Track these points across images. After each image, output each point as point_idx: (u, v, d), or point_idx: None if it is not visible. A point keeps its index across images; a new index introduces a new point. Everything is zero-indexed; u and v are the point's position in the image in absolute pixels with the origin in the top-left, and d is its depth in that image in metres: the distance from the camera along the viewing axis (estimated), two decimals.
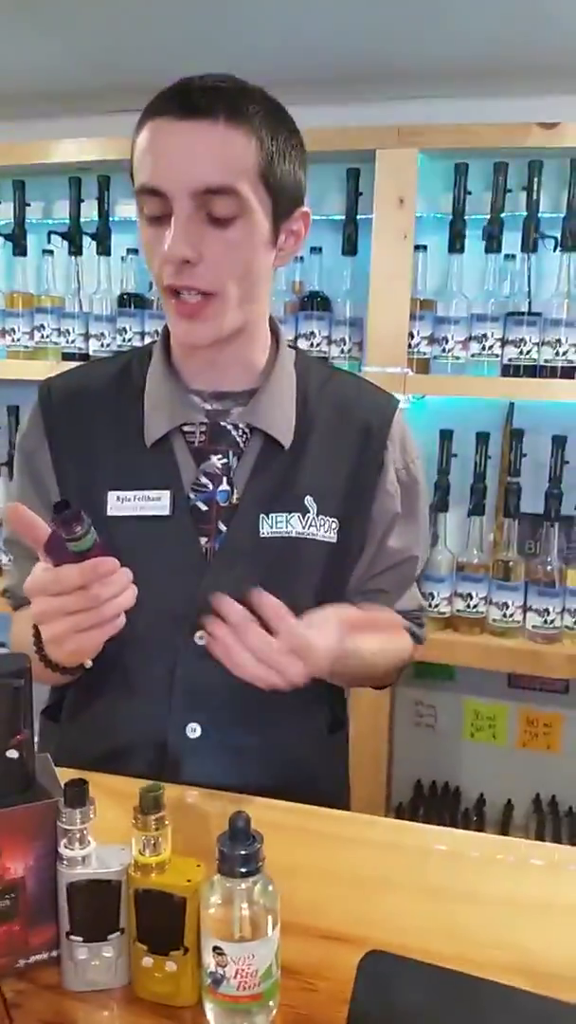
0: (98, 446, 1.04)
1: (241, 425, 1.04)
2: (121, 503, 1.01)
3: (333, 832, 0.91)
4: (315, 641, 0.87)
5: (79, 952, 0.66)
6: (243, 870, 0.62)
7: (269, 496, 1.03)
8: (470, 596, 1.79)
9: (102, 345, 1.93)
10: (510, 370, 1.71)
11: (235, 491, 1.03)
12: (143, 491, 1.01)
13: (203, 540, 1.02)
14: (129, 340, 1.90)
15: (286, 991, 0.66)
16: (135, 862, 0.65)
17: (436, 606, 1.78)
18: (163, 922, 0.64)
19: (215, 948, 0.62)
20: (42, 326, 1.96)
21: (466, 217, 1.73)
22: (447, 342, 1.74)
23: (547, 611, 1.73)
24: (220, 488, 1.02)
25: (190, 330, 0.97)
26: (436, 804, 1.98)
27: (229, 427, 1.04)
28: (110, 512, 1.01)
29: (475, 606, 1.79)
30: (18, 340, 1.98)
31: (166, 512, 1.01)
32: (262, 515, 1.02)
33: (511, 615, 1.76)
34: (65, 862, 0.65)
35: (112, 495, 1.02)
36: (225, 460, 1.03)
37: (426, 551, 1.19)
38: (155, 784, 0.65)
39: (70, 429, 1.06)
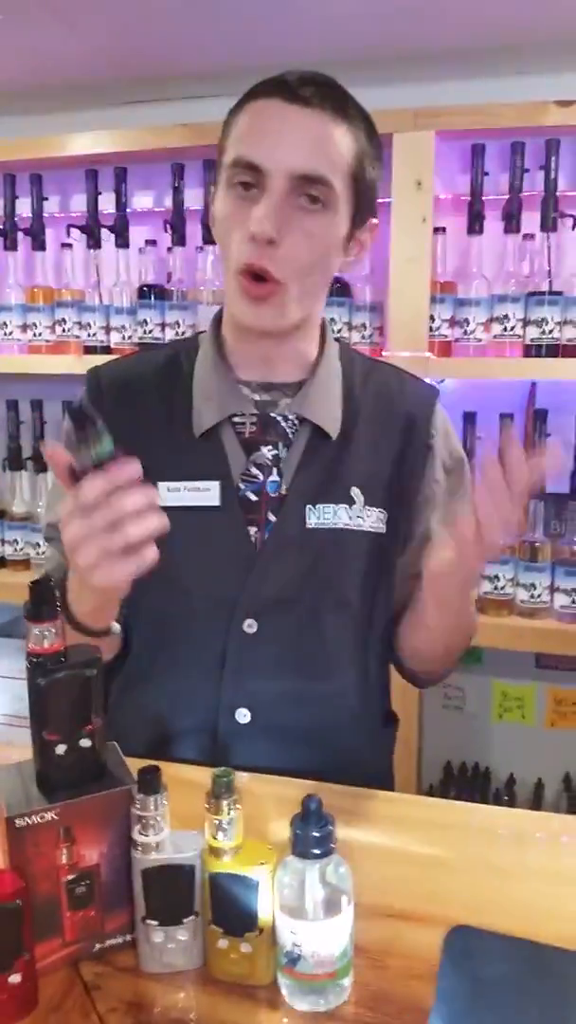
0: (147, 436, 1.04)
1: (291, 416, 1.05)
2: (171, 493, 1.02)
3: (386, 813, 0.92)
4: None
5: (155, 936, 0.67)
6: (317, 851, 0.63)
7: (316, 487, 1.03)
8: (497, 578, 1.79)
9: (123, 338, 1.94)
10: (532, 350, 1.71)
11: (284, 482, 1.04)
12: (193, 482, 1.02)
13: (252, 530, 1.03)
14: (150, 332, 1.90)
15: (357, 969, 0.67)
16: (208, 846, 0.66)
17: None
18: (238, 905, 0.66)
19: (291, 928, 0.64)
20: (63, 320, 1.97)
21: (484, 198, 1.73)
22: (468, 324, 1.74)
23: (574, 591, 1.74)
24: (270, 479, 1.03)
25: (257, 314, 0.97)
26: (466, 785, 2.00)
27: (279, 418, 1.05)
28: (161, 503, 1.01)
29: (502, 588, 1.79)
30: (39, 335, 1.98)
31: (216, 503, 1.01)
32: (308, 506, 1.03)
33: (538, 596, 1.77)
34: (140, 848, 0.66)
35: (163, 486, 1.01)
36: (275, 451, 1.04)
37: None
38: (226, 769, 0.66)
39: (119, 418, 1.03)
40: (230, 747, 1.02)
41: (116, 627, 0.91)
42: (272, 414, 1.05)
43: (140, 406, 1.06)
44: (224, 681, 1.02)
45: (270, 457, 1.04)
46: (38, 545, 2.04)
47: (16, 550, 2.06)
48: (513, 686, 1.98)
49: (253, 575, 1.02)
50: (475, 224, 1.74)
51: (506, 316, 1.71)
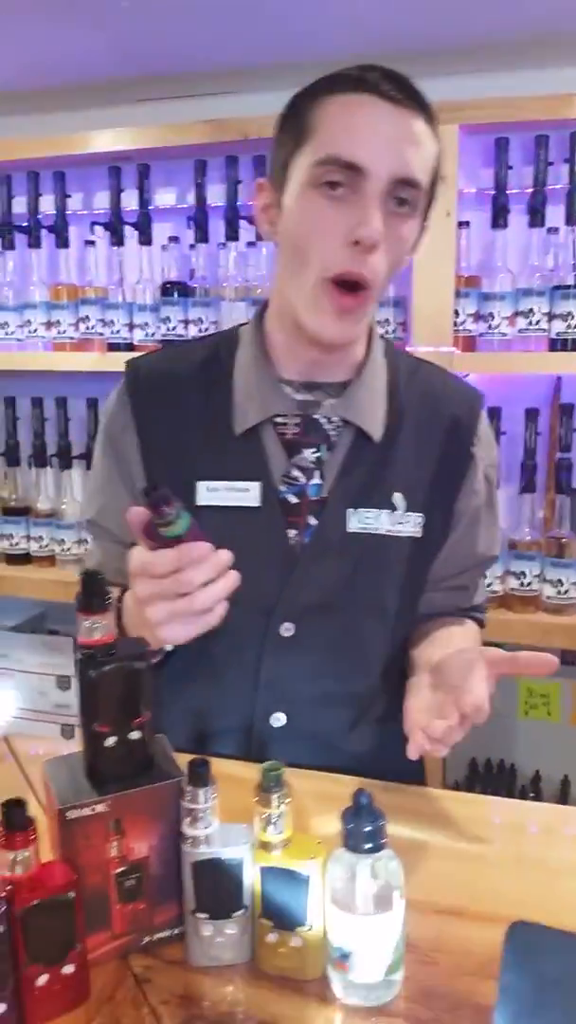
0: (187, 433, 1.03)
1: (334, 418, 1.03)
2: (210, 493, 1.00)
3: (426, 809, 0.92)
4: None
5: (204, 929, 0.67)
6: (368, 846, 0.63)
7: (358, 491, 1.01)
8: (523, 574, 1.79)
9: (147, 335, 1.94)
10: (558, 344, 1.70)
11: (326, 485, 1.01)
12: (232, 481, 1.00)
13: (292, 533, 1.01)
14: (173, 328, 1.91)
15: (407, 965, 0.67)
16: (258, 840, 0.66)
17: (489, 585, 1.78)
18: (288, 899, 0.66)
19: (342, 923, 0.64)
20: (87, 317, 1.97)
21: (508, 192, 1.72)
22: (493, 319, 1.73)
23: None
24: (312, 481, 1.01)
25: (343, 328, 0.93)
26: (492, 782, 1.99)
27: (322, 420, 1.02)
28: (199, 502, 1.00)
29: (528, 584, 1.79)
30: (63, 332, 1.99)
31: (256, 503, 1.00)
32: (349, 510, 1.01)
33: (565, 592, 1.76)
34: (189, 841, 0.66)
35: (201, 485, 1.00)
36: (318, 453, 1.02)
37: (501, 544, 1.17)
38: (275, 763, 0.66)
39: (158, 413, 1.04)
40: (266, 747, 1.02)
41: (168, 646, 0.88)
42: (315, 415, 1.02)
43: (179, 402, 1.04)
44: (260, 684, 1.01)
45: (312, 459, 1.01)
46: (63, 541, 2.05)
47: (41, 546, 2.06)
48: (538, 683, 1.97)
49: (292, 579, 1.00)
50: (499, 218, 1.73)
51: (531, 310, 1.71)
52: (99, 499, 1.09)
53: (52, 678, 2.07)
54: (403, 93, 0.88)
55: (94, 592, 0.65)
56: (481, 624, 1.16)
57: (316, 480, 1.01)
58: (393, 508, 1.02)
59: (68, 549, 2.05)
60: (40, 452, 2.08)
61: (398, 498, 1.02)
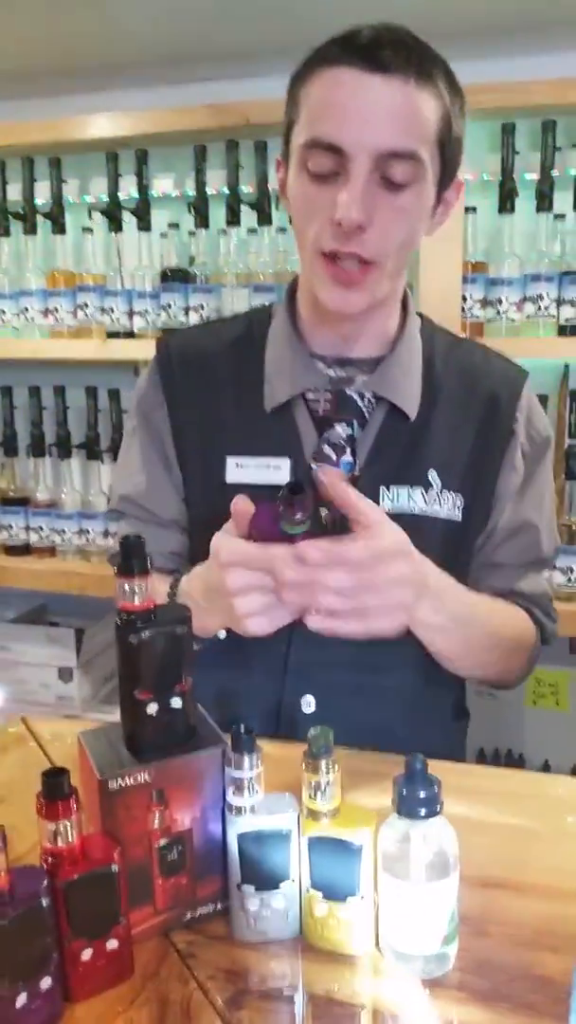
0: (217, 409, 1.01)
1: (367, 394, 1.00)
2: (240, 469, 0.98)
3: (461, 784, 0.89)
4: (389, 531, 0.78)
5: (250, 902, 0.65)
6: (423, 811, 0.61)
7: (392, 469, 0.99)
8: None
9: (146, 322, 1.91)
10: (567, 330, 1.69)
11: (358, 462, 0.99)
12: (263, 458, 0.98)
13: (323, 511, 0.98)
14: (174, 316, 1.88)
15: (459, 936, 0.65)
16: (306, 809, 0.64)
17: None
18: (337, 869, 0.63)
19: (395, 892, 0.62)
20: (85, 304, 1.94)
21: (515, 177, 1.71)
22: (501, 304, 1.72)
23: None
24: (344, 459, 0.99)
25: (345, 298, 0.91)
26: None
27: (355, 395, 1.00)
28: (228, 479, 0.99)
29: None
30: (61, 320, 1.95)
31: (286, 480, 0.95)
32: (383, 488, 0.98)
33: (575, 580, 1.75)
34: (234, 811, 0.64)
35: (231, 461, 0.99)
36: (350, 430, 0.99)
37: (551, 527, 1.09)
38: (324, 728, 0.64)
39: (189, 390, 1.03)
40: (295, 732, 0.99)
41: (223, 632, 0.87)
42: (348, 391, 1.00)
43: (211, 378, 1.03)
44: (289, 668, 0.99)
45: (344, 436, 0.99)
46: (63, 532, 2.02)
47: (41, 537, 2.03)
48: (547, 672, 1.96)
49: None
50: (506, 203, 1.72)
51: (539, 296, 1.69)
52: (137, 478, 1.07)
53: (53, 670, 2.03)
54: (399, 58, 0.84)
55: (134, 555, 0.63)
56: (535, 615, 1.07)
57: (348, 457, 0.99)
58: (428, 485, 0.99)
59: (68, 539, 2.02)
60: (38, 442, 2.05)
61: (433, 475, 0.99)
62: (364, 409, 1.00)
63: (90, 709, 2.07)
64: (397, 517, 0.94)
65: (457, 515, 1.00)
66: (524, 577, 1.07)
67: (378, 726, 0.99)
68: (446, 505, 0.99)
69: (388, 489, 0.98)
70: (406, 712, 1.02)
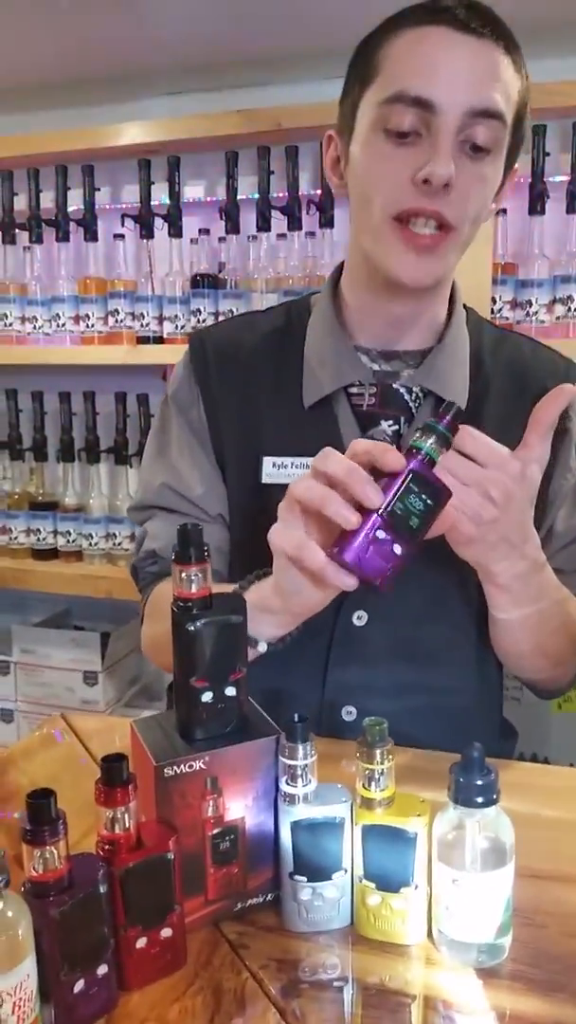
0: (254, 406, 0.98)
1: (415, 388, 0.97)
2: (277, 470, 0.95)
3: (506, 779, 0.90)
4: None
5: (302, 893, 0.65)
6: (480, 799, 0.61)
7: None
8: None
9: (176, 328, 1.92)
10: None
11: None
12: (301, 458, 0.94)
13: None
14: (204, 321, 1.89)
15: (513, 927, 0.64)
16: (360, 797, 0.64)
17: None
18: (392, 858, 0.63)
19: (451, 882, 0.61)
20: (116, 311, 1.95)
21: (545, 179, 1.71)
22: (531, 305, 1.72)
23: None
24: None
25: (419, 266, 0.86)
26: None
27: (401, 390, 0.97)
28: (265, 480, 0.96)
29: None
30: (92, 326, 1.97)
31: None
32: None
33: None
34: (288, 799, 0.64)
35: (268, 461, 0.96)
36: (396, 426, 0.96)
37: None
38: (379, 718, 0.64)
39: (224, 386, 1.00)
40: (337, 735, 0.97)
41: (263, 646, 0.83)
42: (394, 385, 0.96)
43: (247, 374, 0.99)
44: (329, 673, 0.97)
45: (390, 433, 0.95)
46: (90, 536, 2.03)
47: (69, 541, 2.04)
48: None
49: None
50: (536, 205, 1.72)
51: (570, 297, 1.70)
52: (175, 467, 1.02)
53: (79, 674, 2.04)
54: (480, 21, 0.83)
55: (191, 543, 0.63)
56: None
57: None
58: None
59: (95, 544, 2.03)
60: (67, 447, 2.06)
61: None
62: (411, 404, 0.97)
63: (115, 713, 2.08)
64: None
65: None
66: None
67: (423, 729, 0.94)
68: None
69: None
70: (452, 714, 0.99)
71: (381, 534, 0.69)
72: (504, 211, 1.75)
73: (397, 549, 0.70)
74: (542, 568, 0.87)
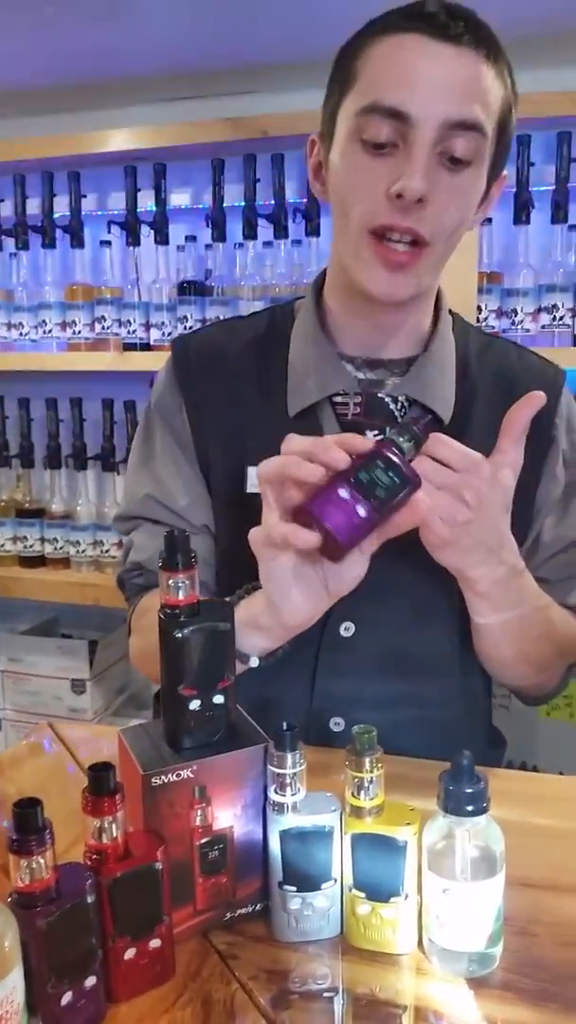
0: (238, 414, 0.97)
1: (400, 397, 0.96)
2: None
3: (497, 788, 0.89)
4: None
5: (292, 902, 0.65)
6: (470, 808, 0.61)
7: None
8: None
9: (163, 334, 1.92)
10: None
11: None
12: None
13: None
14: (190, 328, 1.89)
15: (504, 936, 0.64)
16: (349, 806, 0.63)
17: None
18: (381, 868, 0.63)
19: (441, 891, 0.61)
20: (102, 317, 1.95)
21: (530, 188, 1.72)
22: (516, 315, 1.73)
23: None
24: None
25: (393, 281, 0.85)
26: None
27: (386, 399, 0.96)
28: (250, 489, 0.94)
29: None
30: (79, 332, 1.96)
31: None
32: None
33: None
34: (276, 808, 0.64)
35: (252, 471, 0.94)
36: (381, 436, 0.92)
37: None
38: (368, 726, 0.63)
39: (208, 394, 0.98)
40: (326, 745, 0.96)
41: (255, 661, 0.83)
42: (379, 394, 0.95)
43: (232, 381, 0.98)
44: (316, 685, 0.96)
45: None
46: (78, 543, 2.02)
47: (56, 548, 2.03)
48: None
49: None
50: (521, 214, 1.73)
51: (555, 306, 1.70)
52: (159, 477, 1.01)
53: (66, 682, 2.03)
54: (461, 28, 0.80)
55: (178, 549, 0.63)
56: None
57: None
58: None
59: (83, 551, 2.02)
60: (54, 454, 2.06)
61: None
62: (396, 414, 0.96)
63: (103, 721, 2.06)
64: None
65: None
66: (573, 591, 1.01)
67: (411, 741, 0.92)
68: None
69: None
70: (442, 726, 0.98)
71: (345, 492, 0.71)
72: (489, 220, 1.76)
73: (361, 511, 0.71)
74: (521, 574, 0.87)
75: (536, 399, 0.81)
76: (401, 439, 0.73)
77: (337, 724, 0.97)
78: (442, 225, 0.84)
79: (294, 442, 0.74)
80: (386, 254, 0.84)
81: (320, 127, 0.93)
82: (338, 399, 0.96)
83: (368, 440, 0.73)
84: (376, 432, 0.95)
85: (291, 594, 0.78)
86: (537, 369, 1.03)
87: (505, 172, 0.93)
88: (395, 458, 0.72)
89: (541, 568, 1.00)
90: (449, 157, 0.82)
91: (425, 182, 0.80)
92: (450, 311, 1.04)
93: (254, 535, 0.76)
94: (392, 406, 0.96)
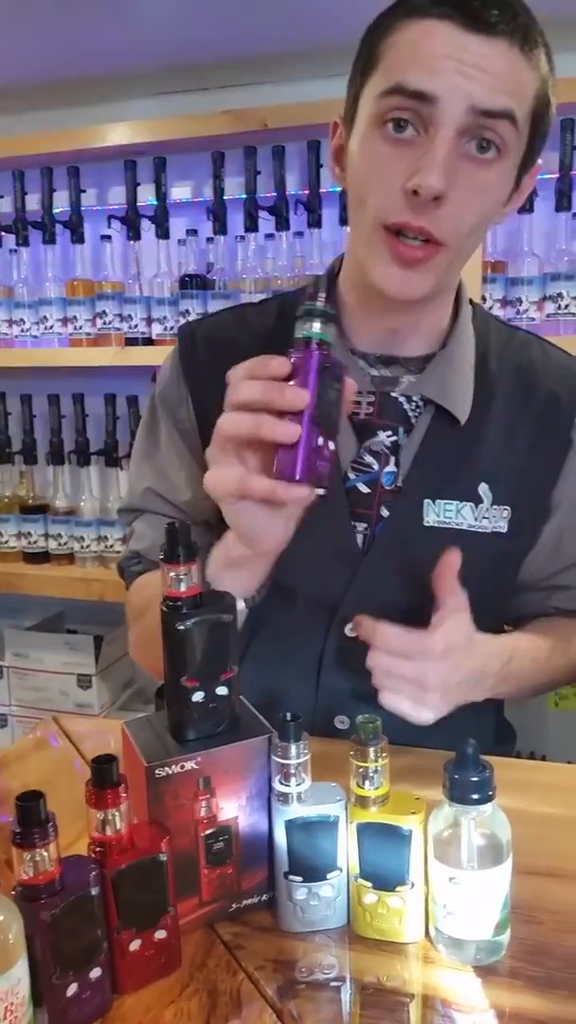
0: None
1: (415, 397, 0.92)
2: None
3: (504, 777, 0.89)
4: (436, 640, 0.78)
5: (297, 892, 0.64)
6: (475, 796, 0.60)
7: (439, 480, 0.91)
8: None
9: (165, 329, 1.92)
10: None
11: (401, 472, 0.91)
12: None
13: (361, 526, 0.91)
14: None
15: (511, 924, 0.64)
16: (354, 795, 0.63)
17: None
18: (387, 857, 0.63)
19: (448, 880, 0.61)
20: (104, 312, 1.94)
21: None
22: (521, 303, 1.72)
23: None
24: (386, 469, 0.91)
25: (406, 280, 0.81)
26: None
27: (401, 398, 0.92)
28: None
29: None
30: (80, 328, 1.96)
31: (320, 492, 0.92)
32: (428, 501, 0.90)
33: None
34: (282, 799, 0.63)
35: None
36: (394, 437, 0.91)
37: None
38: (372, 716, 0.63)
39: (214, 384, 0.91)
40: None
41: (241, 604, 0.79)
42: (392, 393, 0.92)
43: None
44: (321, 683, 0.95)
45: (387, 444, 0.91)
46: (82, 539, 2.02)
47: (60, 544, 2.04)
48: None
49: (359, 576, 0.91)
50: (526, 203, 1.71)
51: (559, 294, 1.69)
52: (162, 470, 1.00)
53: (72, 677, 2.03)
54: (505, 21, 0.75)
55: (179, 542, 0.63)
56: None
57: (391, 467, 0.91)
58: (478, 501, 0.91)
59: (87, 546, 2.02)
60: (57, 449, 2.06)
61: (484, 489, 0.91)
62: (409, 413, 0.92)
63: (109, 716, 2.07)
64: (442, 531, 0.90)
65: (503, 526, 0.93)
66: None
67: (419, 741, 0.91)
68: (494, 518, 0.92)
69: (434, 503, 0.91)
70: (449, 729, 0.97)
71: (318, 439, 0.67)
72: None
73: (331, 446, 0.68)
74: (508, 661, 0.88)
75: (454, 559, 0.80)
76: (317, 328, 0.67)
77: (342, 722, 0.96)
78: (459, 225, 0.80)
79: (243, 387, 0.70)
80: (400, 250, 0.80)
81: (344, 110, 0.89)
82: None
83: (285, 362, 0.68)
84: (389, 432, 0.92)
85: (262, 523, 0.74)
86: (560, 369, 0.98)
87: (540, 161, 0.88)
88: (329, 361, 0.67)
89: (561, 575, 0.99)
90: (477, 145, 0.77)
91: (444, 179, 0.76)
92: (471, 301, 1.00)
93: (214, 482, 0.72)
94: (406, 406, 0.93)
